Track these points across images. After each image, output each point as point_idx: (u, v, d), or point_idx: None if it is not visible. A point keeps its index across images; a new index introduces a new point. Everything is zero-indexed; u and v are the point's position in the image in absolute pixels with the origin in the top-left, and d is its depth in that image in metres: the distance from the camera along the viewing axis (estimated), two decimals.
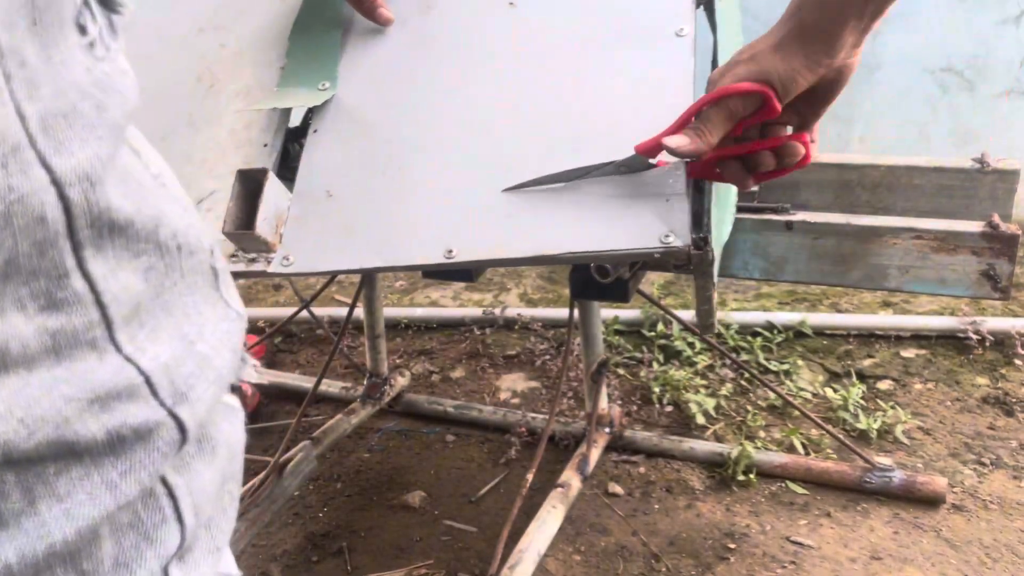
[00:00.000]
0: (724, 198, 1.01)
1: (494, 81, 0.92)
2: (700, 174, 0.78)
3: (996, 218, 1.24)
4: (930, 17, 2.34)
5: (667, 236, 0.75)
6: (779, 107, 0.66)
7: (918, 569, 1.34)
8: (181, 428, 0.35)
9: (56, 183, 0.29)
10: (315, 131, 0.95)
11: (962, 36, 2.34)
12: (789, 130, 0.74)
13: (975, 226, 1.25)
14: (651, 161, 0.77)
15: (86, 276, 0.31)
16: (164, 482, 0.35)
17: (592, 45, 0.90)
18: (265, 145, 0.95)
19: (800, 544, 1.41)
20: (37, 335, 0.29)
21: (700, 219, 0.86)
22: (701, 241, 0.80)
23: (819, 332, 2.04)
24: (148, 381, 0.33)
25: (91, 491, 0.31)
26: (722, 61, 0.90)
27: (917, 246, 1.27)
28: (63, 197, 0.29)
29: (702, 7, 0.93)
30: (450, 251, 0.81)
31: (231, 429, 0.40)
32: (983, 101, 2.40)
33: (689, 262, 0.85)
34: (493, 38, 0.96)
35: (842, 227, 1.29)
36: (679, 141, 0.70)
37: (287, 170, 0.97)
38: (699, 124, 0.70)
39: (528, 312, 2.23)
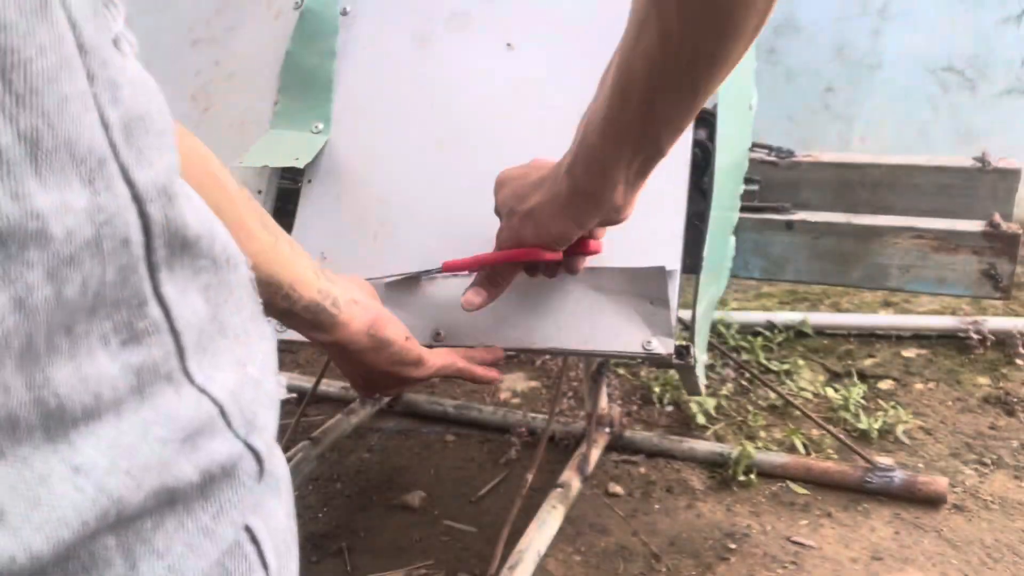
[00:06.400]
0: (720, 249, 0.99)
1: (491, 133, 0.90)
2: None
3: (997, 217, 1.24)
4: (931, 16, 2.34)
5: (649, 343, 0.77)
6: (558, 256, 0.72)
7: (919, 569, 1.34)
8: (258, 459, 0.32)
9: (137, 199, 0.26)
10: (309, 181, 0.93)
11: (963, 35, 2.33)
12: None
13: (976, 225, 1.24)
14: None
15: (161, 302, 0.28)
16: (246, 527, 0.32)
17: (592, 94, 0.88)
18: (260, 192, 0.94)
19: (801, 544, 1.41)
20: (123, 374, 0.26)
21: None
22: (683, 350, 0.80)
23: (820, 332, 2.04)
24: (222, 412, 0.30)
25: (188, 541, 0.28)
26: (725, 108, 0.90)
27: (918, 245, 1.26)
28: (143, 215, 0.26)
29: None
30: (438, 333, 0.83)
31: (280, 461, 0.37)
32: (984, 100, 2.40)
33: (672, 367, 0.87)
34: (490, 82, 0.93)
35: (843, 226, 1.29)
36: (473, 299, 0.77)
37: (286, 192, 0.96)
38: (493, 278, 0.77)
39: None
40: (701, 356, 0.88)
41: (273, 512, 0.35)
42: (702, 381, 0.97)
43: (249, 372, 0.33)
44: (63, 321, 0.24)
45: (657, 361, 0.79)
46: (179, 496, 0.28)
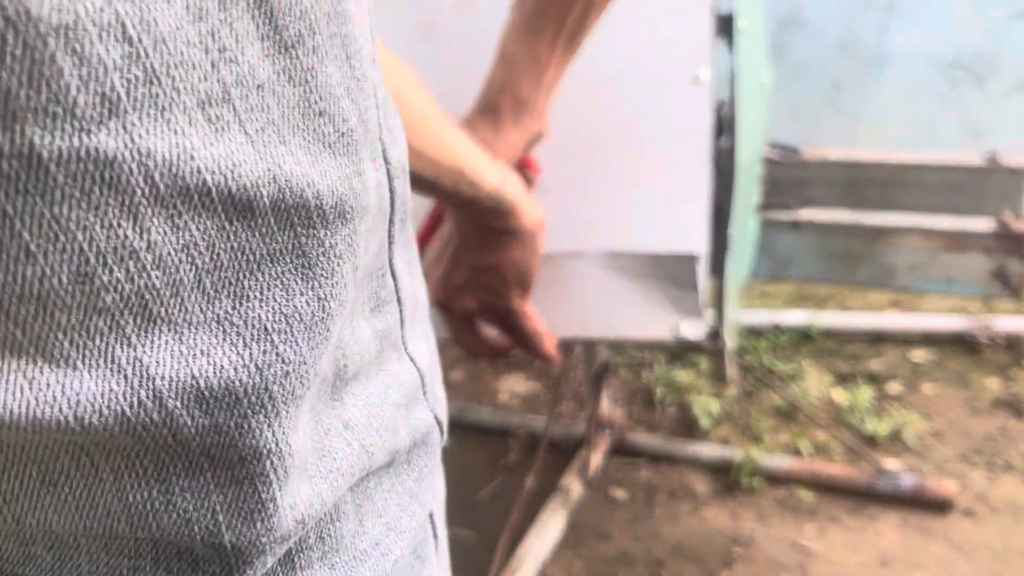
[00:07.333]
0: (743, 229, 0.98)
1: None
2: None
3: (1007, 216, 1.21)
4: (939, 11, 2.31)
5: (678, 328, 0.77)
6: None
7: (927, 574, 1.31)
8: (442, 431, 0.34)
9: (390, 176, 0.27)
10: None
11: (972, 31, 2.30)
12: None
13: (985, 224, 1.22)
14: None
15: (393, 273, 0.29)
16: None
17: (603, 91, 0.84)
18: None
19: (807, 550, 1.39)
20: (372, 338, 0.28)
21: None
22: (714, 334, 0.80)
23: (826, 333, 2.01)
24: (422, 382, 0.31)
25: (399, 502, 0.29)
26: (740, 93, 0.88)
27: (926, 245, 1.24)
28: (392, 190, 0.28)
29: (724, 34, 0.88)
30: None
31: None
32: (993, 97, 2.37)
33: (702, 351, 0.87)
34: None
35: (850, 226, 1.27)
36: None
37: None
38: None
39: None
40: (730, 340, 0.88)
41: (439, 485, 0.35)
42: (731, 365, 0.97)
43: (430, 346, 0.34)
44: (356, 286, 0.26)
45: (687, 346, 0.79)
46: (395, 459, 0.29)
